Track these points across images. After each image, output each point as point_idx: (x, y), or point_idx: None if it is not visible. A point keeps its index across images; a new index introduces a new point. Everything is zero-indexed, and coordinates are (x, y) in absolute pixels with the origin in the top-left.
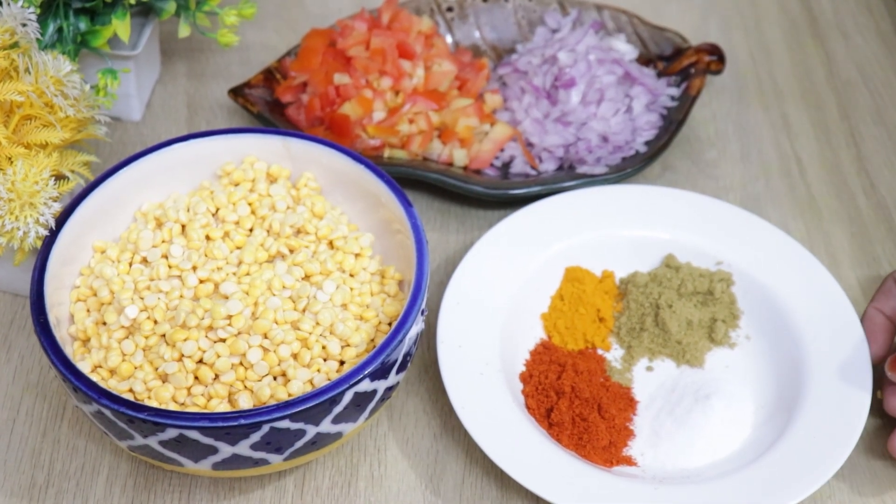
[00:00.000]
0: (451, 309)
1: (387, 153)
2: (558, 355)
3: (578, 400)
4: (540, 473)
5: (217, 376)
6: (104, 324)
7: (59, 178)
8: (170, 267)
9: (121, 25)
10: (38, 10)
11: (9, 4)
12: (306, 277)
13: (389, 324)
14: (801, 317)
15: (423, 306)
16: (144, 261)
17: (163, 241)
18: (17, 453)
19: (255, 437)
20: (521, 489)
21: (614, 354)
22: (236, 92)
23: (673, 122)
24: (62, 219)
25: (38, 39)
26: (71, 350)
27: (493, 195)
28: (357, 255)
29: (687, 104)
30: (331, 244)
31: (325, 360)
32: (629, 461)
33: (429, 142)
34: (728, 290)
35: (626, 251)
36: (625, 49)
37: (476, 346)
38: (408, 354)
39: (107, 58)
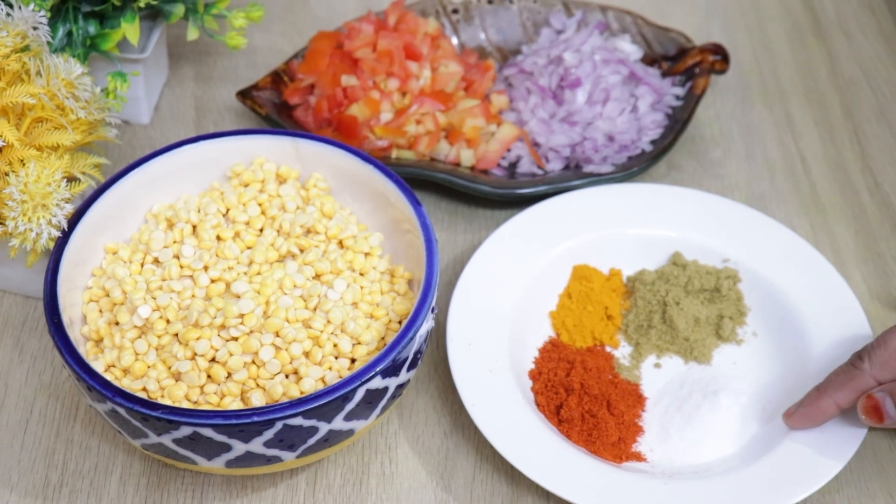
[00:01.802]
0: (461, 307)
1: (394, 154)
2: (567, 353)
3: (588, 396)
4: (550, 469)
5: (230, 375)
6: (117, 324)
7: (71, 179)
8: (181, 267)
9: (130, 29)
10: (49, 14)
11: (20, 8)
12: (317, 276)
13: (399, 322)
14: (808, 313)
15: (433, 304)
16: (156, 261)
17: (174, 242)
18: (31, 453)
19: (269, 434)
20: (532, 485)
21: (622, 351)
22: (244, 94)
23: (678, 122)
24: (74, 220)
25: (48, 43)
26: (84, 350)
27: (500, 195)
28: (367, 255)
29: (692, 104)
30: (340, 244)
31: (336, 357)
32: (638, 457)
33: (436, 142)
34: (735, 287)
35: (633, 249)
36: (629, 49)
37: (485, 344)
38: (418, 352)
39: (116, 61)
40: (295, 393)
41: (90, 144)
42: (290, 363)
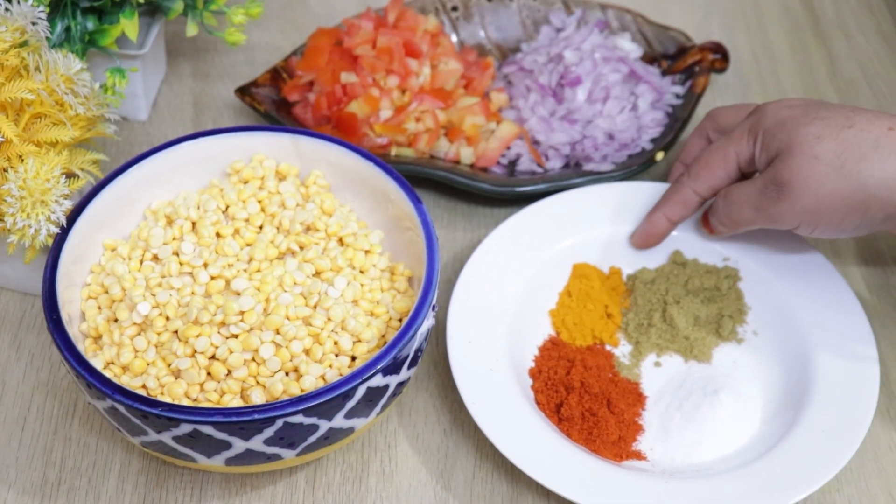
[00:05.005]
0: (461, 305)
1: (394, 151)
2: (567, 351)
3: (588, 395)
4: (550, 468)
5: (230, 372)
6: (116, 321)
7: (70, 176)
8: (181, 264)
9: (129, 24)
10: (47, 10)
11: (18, 3)
12: (317, 274)
13: (400, 320)
14: (808, 312)
15: (434, 302)
16: (155, 258)
17: (174, 239)
18: (29, 451)
19: (269, 432)
20: (532, 483)
21: (622, 350)
22: (243, 91)
23: (678, 120)
24: (73, 216)
25: (46, 38)
26: (83, 347)
27: (500, 193)
28: (367, 252)
29: (692, 102)
30: (340, 241)
31: (336, 355)
32: (639, 455)
33: (436, 140)
34: (735, 286)
35: (633, 248)
36: (629, 47)
37: (485, 343)
38: (419, 350)
39: (114, 57)
40: (295, 391)
41: (89, 140)
42: (291, 361)
